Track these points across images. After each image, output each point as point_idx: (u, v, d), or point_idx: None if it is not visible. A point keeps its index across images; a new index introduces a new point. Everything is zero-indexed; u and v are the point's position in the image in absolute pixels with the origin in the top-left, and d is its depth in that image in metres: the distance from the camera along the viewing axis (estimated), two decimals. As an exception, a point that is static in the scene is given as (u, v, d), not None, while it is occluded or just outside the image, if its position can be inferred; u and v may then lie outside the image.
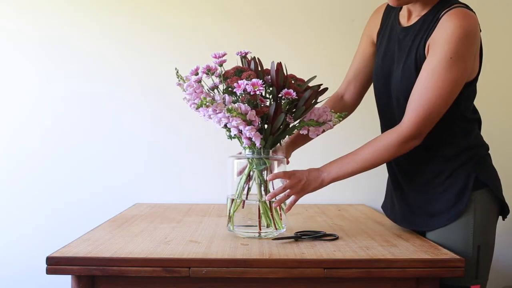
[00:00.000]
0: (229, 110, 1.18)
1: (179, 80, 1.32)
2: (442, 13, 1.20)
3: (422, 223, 1.33)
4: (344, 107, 1.50)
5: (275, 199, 1.26)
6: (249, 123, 1.21)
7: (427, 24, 1.24)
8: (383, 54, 1.36)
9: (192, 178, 1.97)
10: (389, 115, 1.36)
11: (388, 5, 1.39)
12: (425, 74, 1.20)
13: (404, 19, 1.32)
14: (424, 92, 1.20)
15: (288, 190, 1.25)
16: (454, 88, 1.20)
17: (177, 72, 1.32)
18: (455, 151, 1.28)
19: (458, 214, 1.25)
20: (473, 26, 1.18)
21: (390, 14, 1.39)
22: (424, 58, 1.22)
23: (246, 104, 1.21)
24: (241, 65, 1.32)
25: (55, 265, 1.10)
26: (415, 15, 1.29)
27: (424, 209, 1.32)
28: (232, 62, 1.32)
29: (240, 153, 1.36)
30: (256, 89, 1.20)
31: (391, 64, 1.33)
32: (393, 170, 1.40)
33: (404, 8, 1.32)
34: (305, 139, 1.43)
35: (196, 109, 1.21)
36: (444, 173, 1.29)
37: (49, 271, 1.10)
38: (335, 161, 1.30)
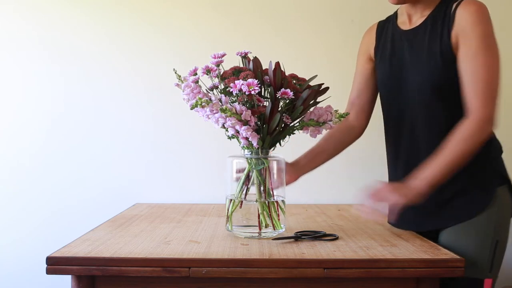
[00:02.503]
0: (222, 110, 1.18)
1: (178, 81, 1.32)
2: (453, 7, 1.25)
3: (443, 219, 1.31)
4: (351, 130, 1.50)
5: (273, 199, 1.26)
6: (245, 123, 1.21)
7: (441, 20, 1.27)
8: (389, 64, 1.38)
9: (192, 178, 1.97)
10: (401, 124, 1.36)
11: (379, 22, 1.46)
12: (470, 61, 1.22)
13: (406, 25, 1.36)
14: (478, 76, 1.21)
15: (389, 192, 1.23)
16: (499, 64, 1.22)
17: (176, 72, 1.33)
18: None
19: (482, 208, 1.26)
20: (486, 9, 1.24)
21: (384, 28, 1.44)
22: (450, 49, 1.24)
23: (241, 104, 1.22)
24: (240, 65, 1.32)
25: (55, 265, 1.10)
26: (417, 16, 1.33)
27: (448, 204, 1.30)
28: (234, 62, 1.32)
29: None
30: (251, 89, 1.20)
31: (401, 69, 1.34)
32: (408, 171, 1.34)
33: (402, 14, 1.37)
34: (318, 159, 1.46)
35: (191, 109, 1.21)
36: (470, 168, 1.26)
37: (49, 271, 1.10)
38: (423, 168, 1.24)
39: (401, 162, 1.38)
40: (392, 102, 1.39)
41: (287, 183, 1.42)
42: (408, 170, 1.29)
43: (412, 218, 1.36)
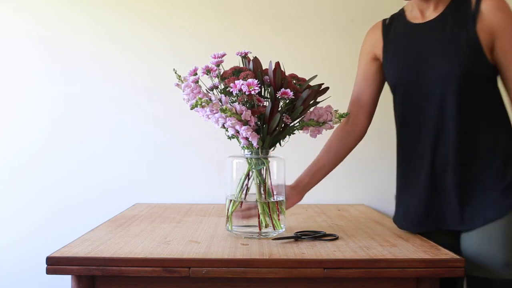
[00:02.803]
0: (222, 110, 1.18)
1: (178, 81, 1.32)
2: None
3: (469, 219, 1.26)
4: (352, 131, 1.47)
5: (273, 199, 1.26)
6: (245, 123, 1.21)
7: (462, 10, 1.27)
8: (404, 58, 1.35)
9: (192, 178, 1.97)
10: (421, 120, 1.32)
11: (383, 21, 1.45)
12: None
13: (418, 19, 1.35)
14: None
15: None
16: None
17: (176, 72, 1.33)
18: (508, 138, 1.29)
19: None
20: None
21: (392, 25, 1.42)
22: (477, 38, 1.24)
23: (241, 104, 1.22)
24: (240, 65, 1.32)
25: (55, 265, 1.10)
26: (430, 10, 1.32)
27: (473, 203, 1.26)
28: (234, 62, 1.32)
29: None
30: (251, 89, 1.20)
31: (420, 62, 1.31)
32: (432, 172, 1.30)
33: (412, 10, 1.37)
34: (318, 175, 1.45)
35: (191, 109, 1.21)
36: (497, 164, 1.26)
37: (49, 271, 1.10)
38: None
39: (424, 159, 1.31)
40: (410, 99, 1.34)
41: (293, 205, 1.43)
42: (434, 167, 1.28)
43: (432, 219, 1.31)
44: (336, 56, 1.96)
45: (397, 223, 1.42)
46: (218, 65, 1.28)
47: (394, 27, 1.40)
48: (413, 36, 1.35)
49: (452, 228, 1.29)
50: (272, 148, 1.32)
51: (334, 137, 1.48)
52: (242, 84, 1.20)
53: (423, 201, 1.32)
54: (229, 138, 1.29)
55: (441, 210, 1.29)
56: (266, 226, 1.30)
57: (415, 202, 1.34)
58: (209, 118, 1.24)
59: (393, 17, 1.43)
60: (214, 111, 1.22)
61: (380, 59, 1.43)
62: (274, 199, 1.31)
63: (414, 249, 1.20)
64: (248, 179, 1.32)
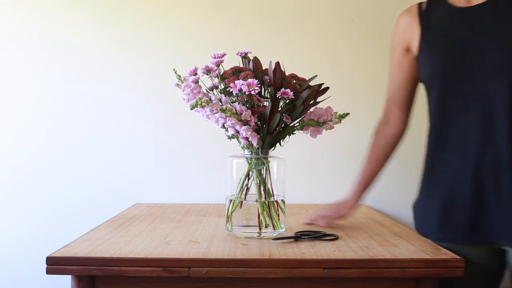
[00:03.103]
0: (223, 110, 1.18)
1: (178, 81, 1.32)
2: None
3: None
4: (393, 132, 1.39)
5: (273, 199, 1.26)
6: (245, 123, 1.21)
7: None
8: (446, 51, 1.20)
9: (192, 178, 1.97)
10: (469, 114, 1.17)
11: (419, 5, 1.29)
12: None
13: (463, 3, 1.21)
14: None
15: None
16: None
17: (176, 72, 1.33)
18: None
19: None
20: None
21: (431, 10, 1.26)
22: None
23: (241, 104, 1.22)
24: (240, 65, 1.32)
25: (55, 265, 1.10)
26: None
27: None
28: (234, 62, 1.32)
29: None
30: (251, 89, 1.20)
31: (467, 54, 1.16)
32: (480, 174, 1.16)
33: None
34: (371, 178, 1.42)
35: (191, 109, 1.21)
36: None
37: (49, 271, 1.10)
38: None
39: (469, 160, 1.16)
40: (452, 94, 1.19)
41: (346, 217, 1.47)
42: (482, 163, 1.14)
43: (480, 230, 1.16)
44: (336, 56, 1.96)
45: (428, 235, 1.26)
46: (218, 65, 1.28)
47: (433, 12, 1.25)
48: (458, 21, 1.19)
49: (504, 244, 1.15)
50: (272, 148, 1.32)
51: (376, 150, 1.40)
52: (242, 84, 1.20)
53: (469, 208, 1.16)
54: (229, 138, 1.29)
55: (491, 220, 1.14)
56: (266, 226, 1.30)
57: (455, 210, 1.18)
58: (209, 118, 1.24)
59: (431, 0, 1.28)
60: (214, 111, 1.22)
61: (414, 49, 1.28)
62: (274, 199, 1.31)
63: (414, 249, 1.20)
64: (248, 179, 1.32)
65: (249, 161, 1.30)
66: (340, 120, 1.32)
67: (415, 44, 1.27)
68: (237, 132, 1.22)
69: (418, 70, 1.29)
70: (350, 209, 1.44)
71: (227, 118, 1.19)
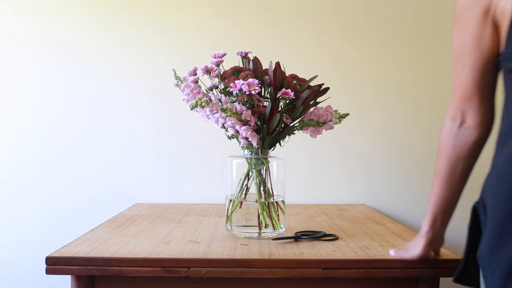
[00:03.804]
0: (223, 110, 1.18)
1: (177, 81, 1.32)
2: None
3: None
4: (476, 137, 0.99)
5: (272, 199, 1.26)
6: (245, 123, 1.21)
7: None
8: None
9: (192, 178, 1.97)
10: None
11: None
12: None
13: None
14: None
15: None
16: None
17: (175, 73, 1.33)
18: None
19: None
20: None
21: None
22: None
23: (241, 104, 1.22)
24: (240, 65, 1.32)
25: (54, 265, 1.10)
26: None
27: None
28: (234, 62, 1.32)
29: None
30: (251, 89, 1.20)
31: None
32: None
33: None
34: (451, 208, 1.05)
35: (191, 109, 1.21)
36: None
37: (48, 271, 1.10)
38: None
39: None
40: None
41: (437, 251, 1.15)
42: None
43: None
44: (336, 56, 1.96)
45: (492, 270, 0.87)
46: (218, 65, 1.28)
47: None
48: None
49: None
50: (272, 148, 1.32)
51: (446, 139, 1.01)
52: (242, 84, 1.20)
53: None
54: (229, 138, 1.29)
55: None
56: (266, 226, 1.30)
57: None
58: (209, 118, 1.24)
59: None
60: (214, 111, 1.22)
61: (505, 11, 0.87)
62: (274, 199, 1.31)
63: (414, 249, 1.20)
64: (248, 179, 1.32)
65: (249, 161, 1.30)
66: (340, 120, 1.32)
67: (506, 3, 0.87)
68: (237, 132, 1.22)
69: (507, 44, 0.89)
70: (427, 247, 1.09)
71: (227, 118, 1.19)
